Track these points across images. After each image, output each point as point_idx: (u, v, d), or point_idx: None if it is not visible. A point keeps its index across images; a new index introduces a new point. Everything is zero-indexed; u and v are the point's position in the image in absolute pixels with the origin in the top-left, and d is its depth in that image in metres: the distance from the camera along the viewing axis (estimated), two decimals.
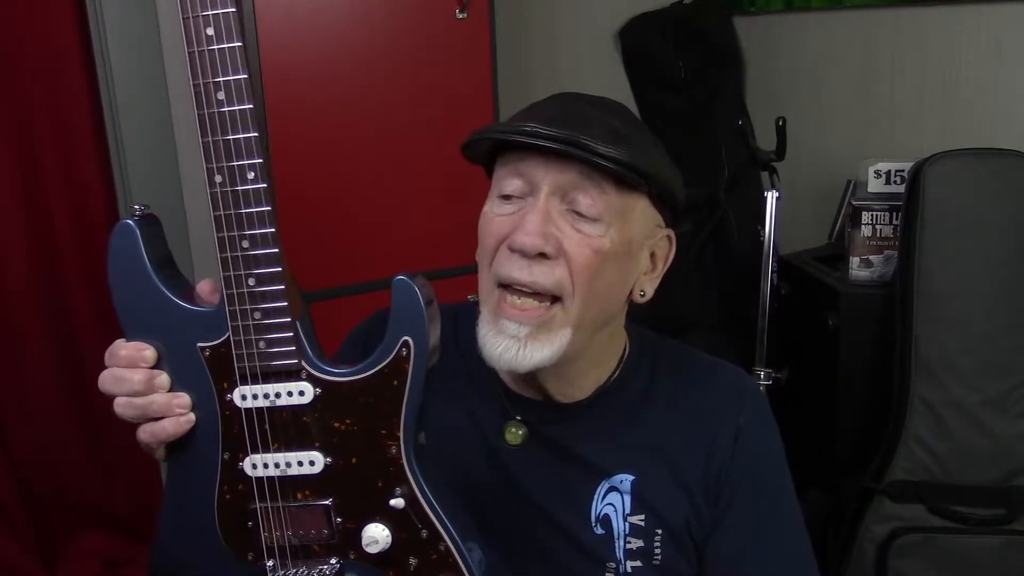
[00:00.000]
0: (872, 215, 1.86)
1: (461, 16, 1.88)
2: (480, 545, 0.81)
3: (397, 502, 0.75)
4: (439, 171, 1.86)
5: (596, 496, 0.90)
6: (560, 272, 0.81)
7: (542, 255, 0.80)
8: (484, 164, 0.90)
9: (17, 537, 2.11)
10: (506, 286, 0.82)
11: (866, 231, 1.86)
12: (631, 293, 0.89)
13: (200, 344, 0.74)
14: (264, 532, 0.77)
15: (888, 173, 1.87)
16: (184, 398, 0.75)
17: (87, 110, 2.07)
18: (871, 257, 1.87)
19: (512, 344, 0.81)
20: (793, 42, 2.47)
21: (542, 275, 0.80)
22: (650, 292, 0.90)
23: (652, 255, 0.90)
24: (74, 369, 2.16)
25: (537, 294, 0.81)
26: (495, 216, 0.84)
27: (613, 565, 0.89)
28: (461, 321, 0.92)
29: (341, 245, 1.85)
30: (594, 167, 0.80)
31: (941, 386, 1.67)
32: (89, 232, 2.13)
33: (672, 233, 0.91)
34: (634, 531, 0.89)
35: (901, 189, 1.75)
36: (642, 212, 0.86)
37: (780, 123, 1.95)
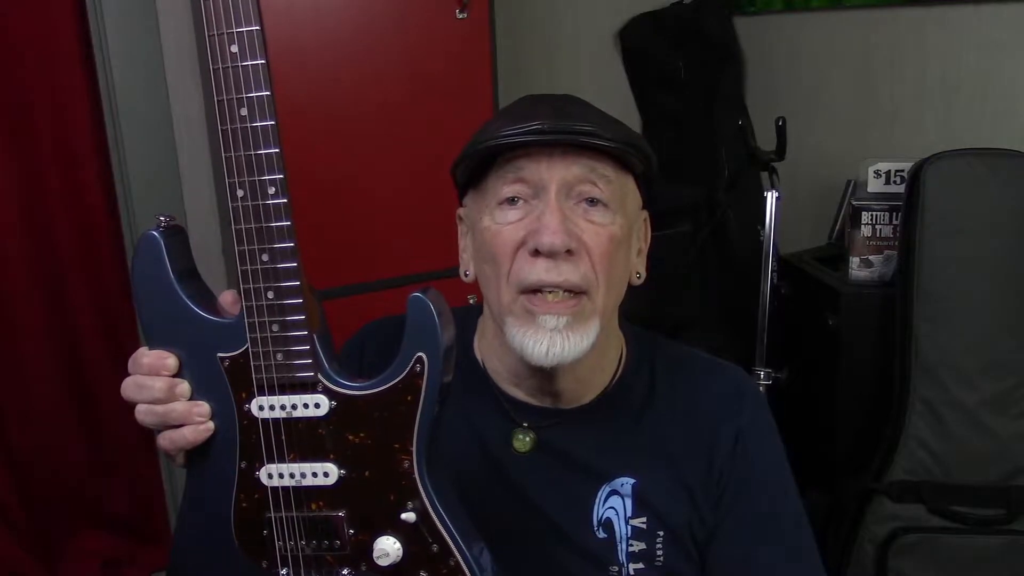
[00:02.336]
0: (872, 215, 1.86)
1: (461, 16, 1.88)
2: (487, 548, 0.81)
3: (408, 516, 0.75)
4: (439, 171, 1.85)
5: (597, 500, 0.90)
6: (584, 266, 0.81)
7: (567, 252, 0.80)
8: (464, 184, 0.91)
9: (17, 537, 2.11)
10: (532, 291, 0.82)
11: (866, 231, 1.86)
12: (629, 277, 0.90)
13: (220, 354, 0.75)
14: (279, 541, 0.78)
15: (888, 173, 1.88)
16: (204, 406, 0.76)
17: (87, 110, 2.07)
18: (871, 257, 1.87)
19: (556, 337, 0.81)
20: (793, 42, 2.47)
21: (570, 272, 0.81)
22: (644, 273, 0.92)
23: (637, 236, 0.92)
24: (74, 369, 2.16)
25: (566, 291, 0.82)
26: (502, 227, 0.84)
27: (616, 568, 0.89)
28: (457, 326, 0.92)
29: (341, 245, 1.85)
30: (598, 156, 0.81)
31: (941, 386, 1.67)
32: (89, 232, 2.13)
33: (648, 214, 0.93)
34: (636, 534, 0.89)
35: (901, 189, 1.75)
36: (632, 193, 0.88)
37: (780, 123, 1.95)
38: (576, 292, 0.82)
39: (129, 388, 0.76)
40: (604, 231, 0.82)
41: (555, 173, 0.81)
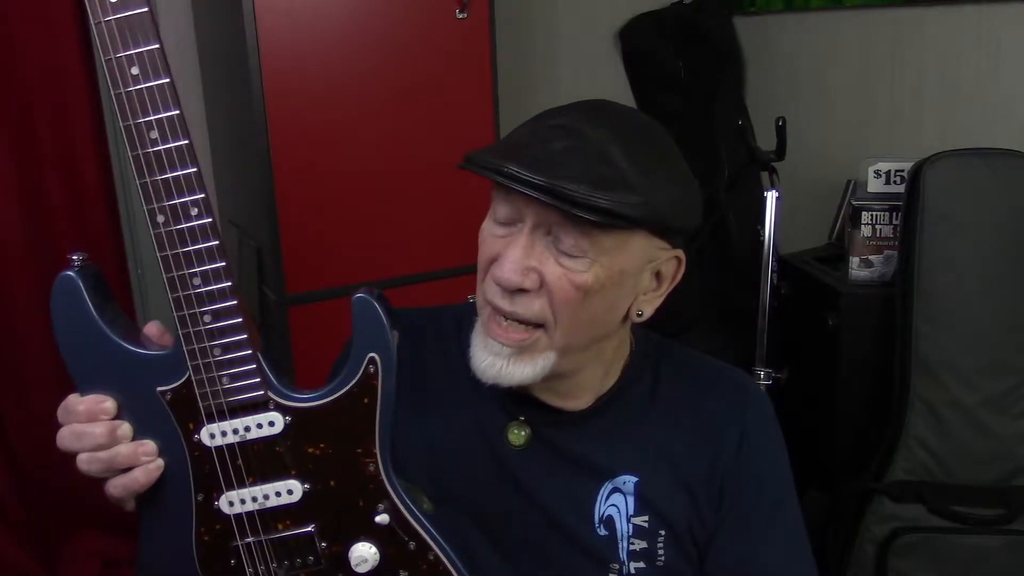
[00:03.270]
0: (872, 215, 1.86)
1: (461, 16, 1.88)
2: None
3: (382, 518, 0.75)
4: (439, 171, 1.86)
5: (599, 497, 0.90)
6: (540, 304, 0.80)
7: (521, 289, 0.80)
8: None
9: (17, 537, 2.11)
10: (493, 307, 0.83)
11: (866, 231, 1.86)
12: (628, 313, 0.87)
13: (160, 388, 0.73)
14: (249, 568, 0.76)
15: (888, 173, 1.88)
16: (149, 445, 0.73)
17: (87, 110, 2.07)
18: (871, 257, 1.87)
19: (496, 360, 0.82)
20: (793, 42, 2.47)
21: (522, 307, 0.80)
22: (649, 312, 0.88)
23: (658, 274, 0.88)
24: None
25: (521, 321, 0.81)
26: (489, 236, 0.84)
27: (616, 566, 0.89)
28: (464, 323, 0.92)
29: (341, 245, 1.85)
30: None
31: (941, 386, 1.67)
32: (89, 232, 2.13)
33: (682, 254, 0.88)
34: (637, 532, 0.89)
35: (901, 189, 1.75)
36: (640, 243, 0.82)
37: (780, 123, 1.95)
38: (531, 324, 0.81)
39: (66, 438, 0.73)
40: (570, 277, 0.79)
41: (532, 210, 0.79)
